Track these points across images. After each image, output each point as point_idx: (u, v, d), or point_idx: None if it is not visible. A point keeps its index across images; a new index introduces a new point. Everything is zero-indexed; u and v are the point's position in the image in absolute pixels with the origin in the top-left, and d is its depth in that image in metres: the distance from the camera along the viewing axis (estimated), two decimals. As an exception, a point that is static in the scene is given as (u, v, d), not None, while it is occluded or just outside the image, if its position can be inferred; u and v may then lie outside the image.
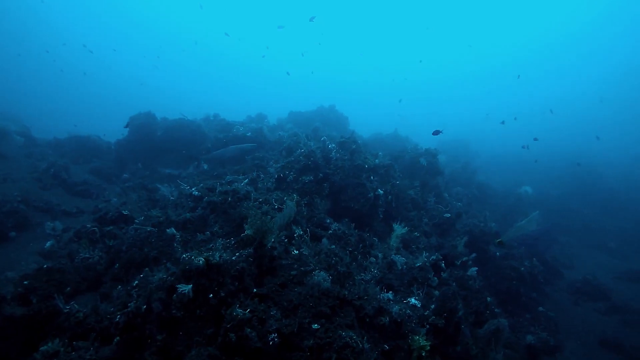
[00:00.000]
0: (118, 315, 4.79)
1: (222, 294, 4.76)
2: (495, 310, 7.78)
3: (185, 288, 4.61)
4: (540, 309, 9.50)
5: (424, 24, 72.97)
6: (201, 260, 4.79)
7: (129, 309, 4.77)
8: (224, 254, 5.16)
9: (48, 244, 7.81)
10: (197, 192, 8.05)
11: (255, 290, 4.94)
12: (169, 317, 4.61)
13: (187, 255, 5.01)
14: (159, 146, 14.77)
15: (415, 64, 62.68)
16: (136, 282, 5.39)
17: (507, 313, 8.66)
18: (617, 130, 46.80)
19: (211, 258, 4.90)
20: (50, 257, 7.31)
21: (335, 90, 74.18)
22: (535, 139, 15.51)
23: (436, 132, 10.90)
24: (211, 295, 4.74)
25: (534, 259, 10.85)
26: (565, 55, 68.58)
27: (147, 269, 5.73)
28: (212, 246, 5.67)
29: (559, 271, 12.68)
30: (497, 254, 10.19)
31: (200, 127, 15.28)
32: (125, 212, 8.32)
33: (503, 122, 18.33)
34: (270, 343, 4.17)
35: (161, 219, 7.56)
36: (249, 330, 4.20)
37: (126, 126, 12.66)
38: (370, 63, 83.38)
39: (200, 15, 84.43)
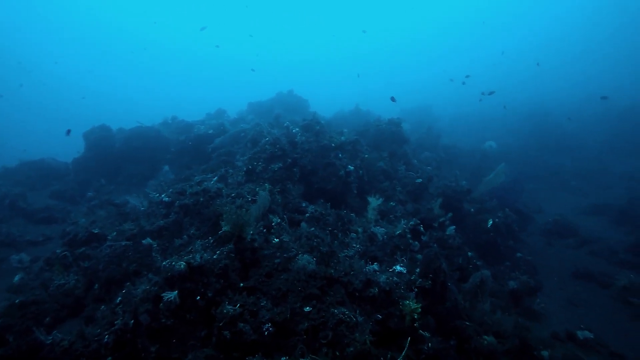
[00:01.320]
0: (106, 335, 4.64)
1: (210, 294, 4.71)
2: (477, 263, 8.10)
3: (171, 295, 4.54)
4: (518, 254, 9.98)
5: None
6: (182, 264, 4.71)
7: (116, 327, 4.63)
8: (205, 255, 5.08)
9: (17, 277, 7.41)
10: (167, 198, 7.83)
11: (242, 284, 4.92)
12: (159, 327, 4.53)
13: (168, 262, 4.90)
14: (119, 158, 14.20)
15: (360, 34, 62.60)
16: (119, 298, 5.22)
17: (488, 264, 9.03)
18: (565, 73, 48.81)
19: (192, 260, 4.82)
20: (22, 291, 6.93)
21: (291, 71, 73.73)
22: (492, 92, 15.85)
23: (392, 99, 11.14)
24: (198, 297, 4.68)
25: (506, 209, 11.31)
26: (510, 4, 69.85)
27: (128, 283, 5.57)
28: (192, 249, 5.56)
29: (530, 217, 13.32)
30: (472, 210, 10.54)
31: (160, 132, 14.80)
32: (95, 231, 8.00)
33: (468, 76, 18.63)
34: (266, 333, 4.18)
35: (134, 231, 7.34)
36: (242, 324, 4.19)
37: (67, 133, 11.81)
38: (320, 40, 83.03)
39: (149, 18, 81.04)
